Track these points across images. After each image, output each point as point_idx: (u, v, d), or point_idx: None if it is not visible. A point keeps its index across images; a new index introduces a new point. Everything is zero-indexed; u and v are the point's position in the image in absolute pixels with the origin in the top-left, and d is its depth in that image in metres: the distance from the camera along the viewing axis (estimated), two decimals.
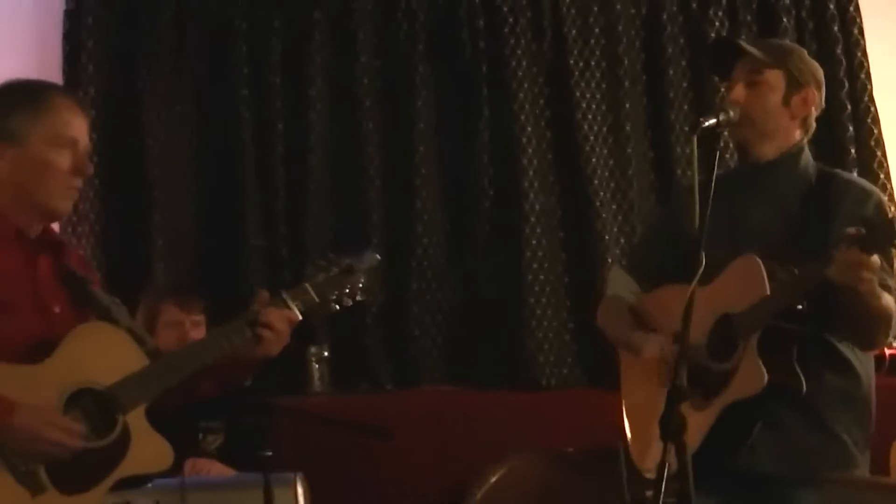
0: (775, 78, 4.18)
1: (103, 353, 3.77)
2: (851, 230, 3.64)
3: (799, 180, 4.21)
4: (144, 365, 3.79)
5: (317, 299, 4.01)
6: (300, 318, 3.94)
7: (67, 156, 3.82)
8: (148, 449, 3.74)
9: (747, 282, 3.94)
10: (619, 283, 4.61)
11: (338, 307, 4.10)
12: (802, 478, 3.88)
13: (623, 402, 4.46)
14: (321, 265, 4.11)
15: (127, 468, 3.68)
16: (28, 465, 3.53)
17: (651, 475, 3.67)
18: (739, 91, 4.18)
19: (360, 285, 4.11)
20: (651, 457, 3.83)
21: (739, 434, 4.01)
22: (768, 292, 3.86)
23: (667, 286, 4.19)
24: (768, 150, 4.21)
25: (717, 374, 4.01)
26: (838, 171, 4.54)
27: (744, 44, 4.27)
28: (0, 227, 3.79)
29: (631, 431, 4.39)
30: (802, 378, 3.87)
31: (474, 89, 6.76)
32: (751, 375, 3.88)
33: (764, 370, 3.84)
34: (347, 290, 4.08)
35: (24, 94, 3.91)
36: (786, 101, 4.19)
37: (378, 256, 4.26)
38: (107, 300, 3.97)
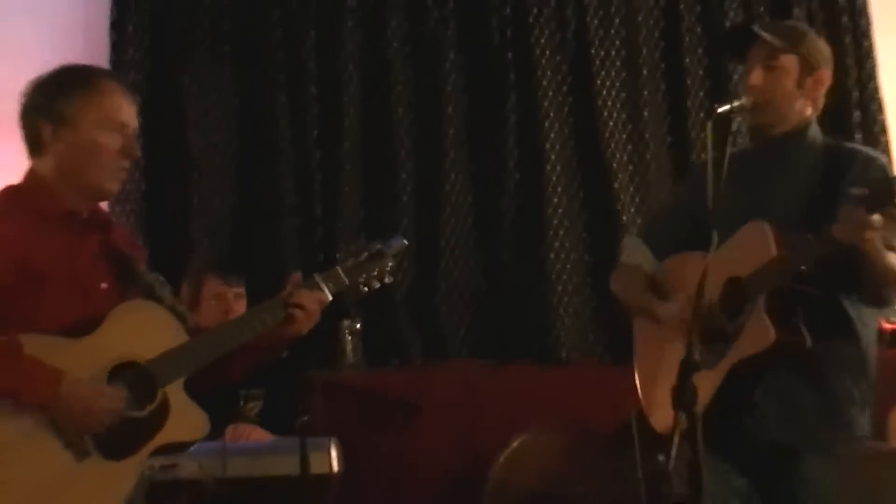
0: (790, 62, 4.17)
1: (145, 330, 3.80)
2: (855, 191, 3.64)
3: (807, 152, 4.19)
4: (184, 341, 3.82)
5: (347, 282, 4.03)
6: (330, 299, 3.97)
7: (116, 138, 3.80)
8: (185, 419, 3.77)
9: (754, 246, 3.93)
10: (635, 251, 4.56)
11: (366, 289, 4.11)
12: (810, 447, 3.86)
13: (637, 367, 4.45)
14: (352, 250, 4.11)
15: (165, 437, 3.71)
16: (74, 432, 3.56)
17: (662, 434, 3.78)
18: (757, 76, 4.16)
19: (388, 269, 4.13)
20: (664, 418, 3.70)
21: (746, 395, 3.99)
22: (774, 254, 3.87)
23: (683, 254, 4.18)
24: (784, 125, 4.20)
25: (727, 334, 3.99)
26: (844, 142, 4.53)
27: (759, 30, 4.26)
28: (50, 207, 3.78)
29: (644, 395, 4.37)
30: (807, 337, 3.84)
31: (501, 76, 6.79)
32: (758, 333, 3.86)
33: (771, 327, 3.81)
34: (375, 274, 4.09)
35: (76, 79, 3.89)
36: (800, 85, 4.18)
37: (405, 241, 4.24)
38: (151, 278, 3.97)
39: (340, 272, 4.03)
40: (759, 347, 3.88)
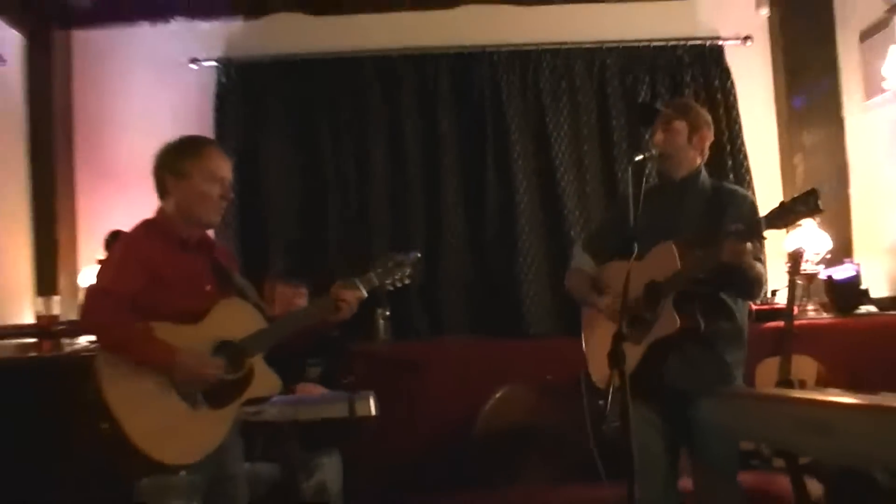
0: (681, 125, 4.24)
1: (237, 319, 3.89)
2: (732, 227, 3.79)
3: (700, 191, 4.26)
4: (263, 326, 3.91)
5: (377, 283, 4.11)
6: (365, 295, 4.06)
7: (217, 187, 3.89)
8: (265, 381, 3.87)
9: (665, 260, 4.01)
10: (581, 259, 4.60)
11: (391, 288, 4.19)
12: (702, 391, 3.90)
13: (584, 341, 4.50)
14: (381, 260, 4.19)
15: (251, 393, 3.82)
16: (188, 388, 3.68)
17: (602, 386, 3.83)
18: (659, 136, 4.25)
19: (407, 274, 4.19)
20: (603, 375, 3.90)
21: (661, 362, 4.09)
22: (679, 267, 3.96)
23: (614, 262, 4.26)
24: (679, 173, 4.28)
25: (646, 321, 4.08)
26: (725, 182, 4.64)
27: (658, 106, 4.36)
28: (173, 234, 3.85)
29: (589, 360, 4.42)
30: (702, 322, 3.98)
31: (483, 133, 6.79)
32: (668, 321, 3.97)
33: (677, 317, 3.95)
34: (398, 277, 4.17)
35: (191, 146, 3.97)
36: (689, 140, 4.25)
37: (419, 254, 4.28)
38: (242, 282, 4.08)
39: (373, 276, 4.12)
40: (668, 331, 4.00)
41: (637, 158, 4.10)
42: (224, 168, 3.96)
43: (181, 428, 3.66)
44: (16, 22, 6.55)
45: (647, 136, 4.19)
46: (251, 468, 4.31)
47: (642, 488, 3.97)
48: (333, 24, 6.95)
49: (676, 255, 3.99)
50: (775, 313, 5.83)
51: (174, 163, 3.90)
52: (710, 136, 4.37)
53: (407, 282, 4.22)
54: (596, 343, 4.34)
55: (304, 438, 4.42)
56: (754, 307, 5.70)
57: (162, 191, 3.94)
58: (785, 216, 3.73)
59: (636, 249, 3.80)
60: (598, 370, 4.27)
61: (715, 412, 3.73)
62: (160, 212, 3.95)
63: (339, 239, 6.70)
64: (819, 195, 3.66)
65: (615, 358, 3.56)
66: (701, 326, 3.99)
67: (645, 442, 4.10)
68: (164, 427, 3.61)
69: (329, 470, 4.93)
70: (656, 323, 4.05)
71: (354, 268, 6.20)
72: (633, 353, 4.02)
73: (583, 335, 4.54)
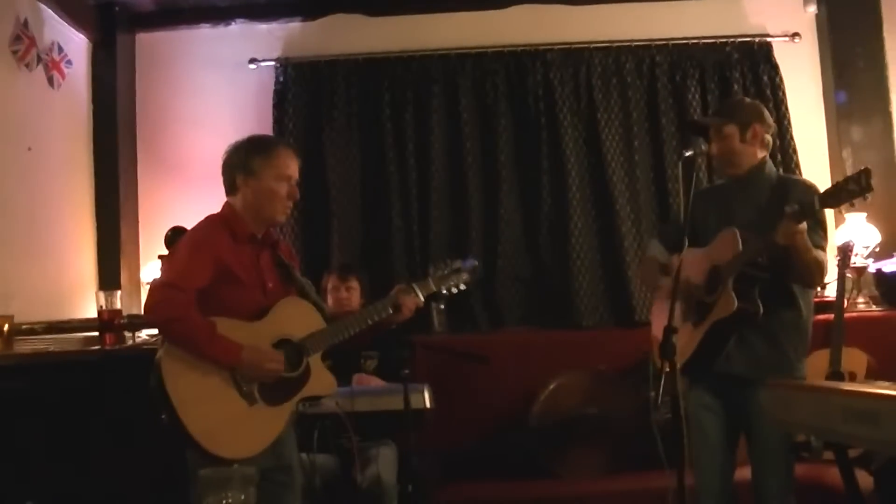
0: (731, 129, 4.20)
1: (298, 317, 3.92)
2: (788, 209, 3.76)
3: (765, 183, 4.23)
4: (323, 326, 3.94)
5: (434, 289, 4.15)
6: (423, 302, 4.10)
7: (284, 186, 3.91)
8: (321, 380, 3.91)
9: (727, 244, 4.01)
10: (654, 249, 4.60)
11: (447, 293, 4.22)
12: (760, 379, 3.89)
13: (652, 323, 4.46)
14: (439, 265, 4.23)
15: (307, 391, 3.86)
16: (248, 385, 3.71)
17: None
18: (714, 146, 4.24)
19: (464, 280, 4.22)
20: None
21: (721, 346, 4.10)
22: (740, 249, 3.95)
23: (687, 249, 4.10)
24: (742, 170, 4.26)
25: (707, 304, 4.07)
26: (789, 175, 4.74)
27: (702, 119, 4.35)
28: (240, 231, 3.87)
29: (654, 347, 4.38)
30: (760, 305, 3.96)
31: (537, 134, 6.79)
32: (726, 303, 3.95)
33: (735, 299, 3.91)
34: (454, 283, 4.19)
35: (260, 145, 3.99)
36: (742, 139, 4.21)
37: (476, 262, 4.32)
38: (303, 281, 4.09)
39: (431, 282, 4.17)
40: (726, 313, 3.97)
41: (687, 154, 4.09)
42: (292, 167, 3.99)
43: (238, 423, 3.69)
44: (82, 26, 6.66)
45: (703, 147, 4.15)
46: (308, 458, 4.32)
47: (700, 474, 4.20)
48: (389, 25, 7.01)
49: (739, 239, 3.98)
50: (826, 306, 5.80)
51: (244, 161, 3.92)
52: (765, 128, 4.31)
53: (463, 287, 4.26)
54: (661, 326, 4.34)
55: (360, 429, 4.45)
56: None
57: (230, 187, 3.97)
58: (838, 195, 3.72)
59: (686, 241, 3.84)
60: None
61: (768, 403, 3.73)
62: (227, 207, 3.97)
63: (399, 237, 6.73)
64: (871, 174, 3.64)
65: (665, 350, 3.61)
66: (759, 310, 3.97)
67: (703, 428, 4.24)
68: (222, 422, 3.65)
69: (384, 461, 4.94)
70: (716, 305, 4.03)
71: (414, 268, 6.33)
72: (694, 337, 4.11)
73: (652, 319, 4.53)
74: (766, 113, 4.39)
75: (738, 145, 4.24)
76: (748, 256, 3.96)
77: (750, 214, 4.17)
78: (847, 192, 3.69)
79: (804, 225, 3.81)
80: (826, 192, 3.79)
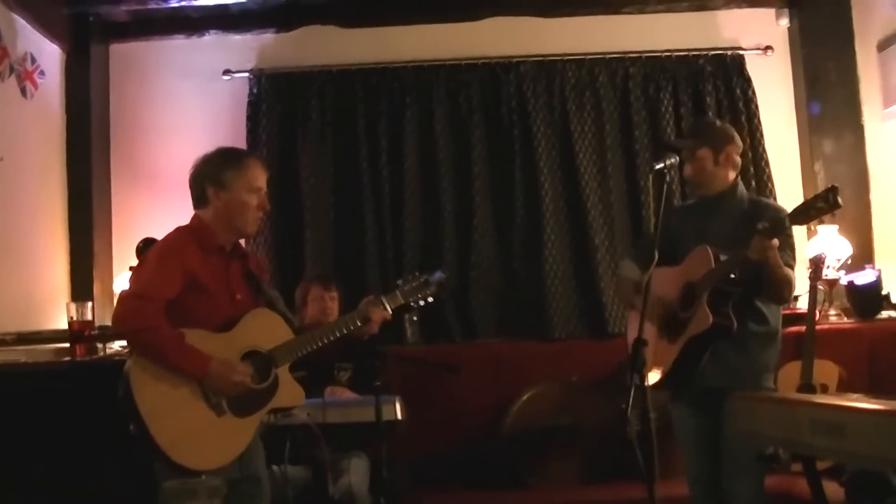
0: (705, 153, 4.30)
1: (266, 329, 3.90)
2: (760, 226, 3.88)
3: (737, 204, 4.35)
4: (291, 338, 3.92)
5: (402, 301, 4.16)
6: (391, 315, 4.11)
7: (255, 198, 3.91)
8: (290, 391, 3.89)
9: (701, 261, 4.12)
10: (626, 268, 4.66)
11: (415, 305, 4.22)
12: (732, 389, 3.90)
13: (628, 337, 4.35)
14: (407, 279, 4.23)
15: (276, 402, 3.85)
16: (216, 397, 3.70)
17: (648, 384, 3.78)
18: (688, 169, 4.36)
19: (431, 292, 4.22)
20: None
21: (698, 360, 4.17)
22: (713, 265, 4.05)
23: (656, 269, 4.13)
24: (715, 189, 4.36)
25: (683, 320, 4.16)
26: (761, 197, 4.84)
27: (677, 142, 4.39)
28: (209, 242, 3.86)
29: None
30: (734, 320, 4.07)
31: (510, 145, 6.79)
32: (702, 318, 4.05)
33: (710, 314, 4.03)
34: (422, 295, 4.20)
35: (231, 157, 3.99)
36: (716, 162, 4.31)
37: (444, 274, 4.34)
38: (272, 293, 4.09)
39: (398, 294, 4.16)
40: (702, 328, 4.10)
41: (657, 167, 4.07)
42: (262, 179, 3.98)
43: (206, 434, 3.69)
44: (55, 36, 6.61)
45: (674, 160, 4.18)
46: (280, 470, 4.33)
47: (690, 481, 4.38)
48: (363, 37, 6.98)
49: (711, 256, 4.08)
50: (797, 318, 5.81)
51: (215, 173, 3.91)
52: (737, 150, 4.42)
53: (431, 300, 4.26)
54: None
55: (332, 441, 4.44)
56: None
57: (200, 200, 3.95)
58: (807, 212, 3.83)
59: (656, 257, 3.82)
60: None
61: (737, 415, 3.73)
62: (196, 219, 3.96)
63: (373, 248, 6.72)
64: (838, 191, 3.73)
65: (635, 362, 3.64)
66: (734, 325, 4.08)
67: (688, 438, 4.39)
68: (190, 432, 3.64)
69: (357, 472, 4.94)
70: (691, 321, 4.12)
71: (388, 279, 6.33)
72: (671, 352, 4.20)
73: (627, 333, 4.53)
74: (737, 134, 4.50)
75: (712, 168, 4.35)
76: (722, 272, 4.06)
77: (723, 234, 4.25)
78: (816, 209, 3.80)
79: (776, 241, 3.92)
80: (795, 209, 3.88)
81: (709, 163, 4.32)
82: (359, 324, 4.02)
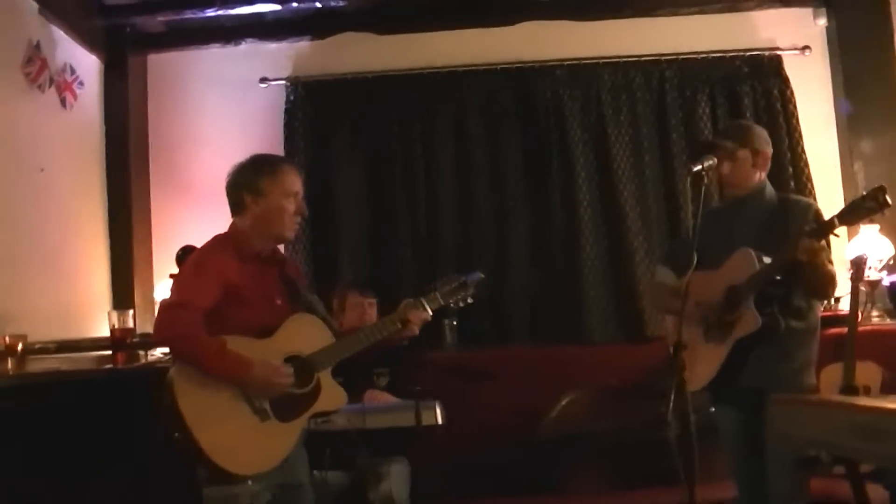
0: (745, 154, 4.29)
1: (307, 334, 3.90)
2: (807, 227, 3.91)
3: (765, 204, 4.33)
4: (332, 342, 3.92)
5: (441, 303, 4.13)
6: (430, 317, 4.10)
7: (292, 203, 3.91)
8: (332, 395, 3.89)
9: (744, 264, 4.10)
10: (661, 273, 4.68)
11: (454, 307, 4.21)
12: (771, 390, 3.86)
13: (668, 342, 4.40)
14: (445, 280, 4.21)
15: (318, 407, 3.85)
16: (260, 401, 3.70)
17: (691, 389, 3.78)
18: (725, 167, 4.28)
19: (470, 294, 4.21)
20: (692, 380, 3.85)
21: (744, 362, 4.15)
22: (757, 269, 4.04)
23: (693, 273, 4.10)
24: (746, 190, 4.35)
25: (729, 322, 4.15)
26: (788, 194, 4.75)
27: (717, 142, 4.36)
28: (247, 249, 3.86)
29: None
30: (781, 321, 4.06)
31: (547, 148, 6.80)
32: (750, 320, 4.04)
33: (758, 316, 4.02)
34: (460, 297, 4.18)
35: (267, 164, 3.99)
36: (753, 164, 4.32)
37: (482, 275, 4.31)
38: (310, 297, 4.09)
39: (438, 296, 4.15)
40: (750, 329, 4.07)
41: (695, 169, 4.02)
42: (297, 184, 3.99)
43: (250, 440, 3.69)
44: (93, 47, 6.69)
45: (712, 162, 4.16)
46: (320, 476, 4.32)
47: (736, 485, 4.38)
48: (397, 43, 7.01)
49: (755, 258, 4.06)
50: (839, 320, 5.76)
51: (251, 181, 3.92)
52: (770, 151, 4.42)
53: (470, 301, 4.24)
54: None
55: (371, 446, 4.45)
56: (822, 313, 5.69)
57: (237, 207, 3.96)
58: (856, 212, 3.83)
59: (694, 261, 3.81)
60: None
61: (775, 419, 3.71)
62: (233, 227, 3.97)
63: (407, 252, 6.75)
64: (887, 191, 3.74)
65: (674, 366, 3.64)
66: (781, 325, 4.07)
67: (729, 441, 4.39)
68: (234, 438, 3.64)
69: (396, 477, 4.90)
70: (738, 323, 4.11)
71: (423, 282, 6.34)
72: (717, 356, 4.19)
73: (668, 342, 4.51)
74: (768, 137, 4.51)
75: (750, 169, 4.34)
76: (768, 275, 4.03)
77: (749, 234, 4.24)
78: (865, 209, 3.80)
79: (823, 242, 3.92)
80: (844, 209, 3.89)
81: (747, 164, 4.31)
82: (399, 326, 4.01)
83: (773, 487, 4.18)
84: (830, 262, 4.11)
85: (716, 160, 4.10)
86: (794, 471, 4.13)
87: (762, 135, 4.45)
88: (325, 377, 3.88)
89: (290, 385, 3.74)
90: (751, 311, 4.05)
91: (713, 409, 4.48)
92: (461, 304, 4.22)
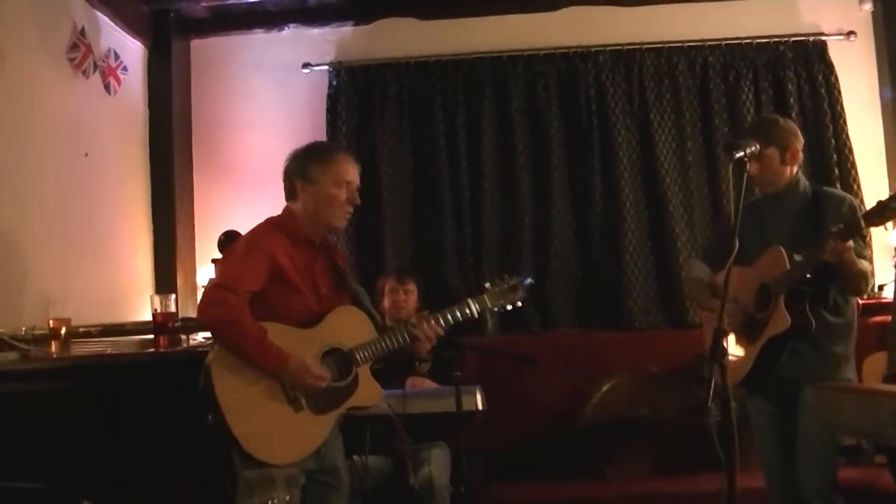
0: (772, 152, 4.24)
1: (350, 326, 3.95)
2: (834, 228, 3.84)
3: (800, 198, 4.32)
4: (374, 336, 3.96)
5: (489, 305, 4.15)
6: (443, 333, 4.06)
7: (344, 192, 3.97)
8: (368, 390, 3.94)
9: (775, 262, 4.09)
10: (697, 268, 4.68)
11: (500, 310, 4.24)
12: (806, 380, 4.01)
13: (704, 334, 4.55)
14: (496, 282, 4.22)
15: (354, 401, 3.90)
16: (295, 393, 3.76)
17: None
18: (754, 167, 4.24)
19: (519, 297, 4.23)
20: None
21: (777, 359, 4.15)
22: (788, 268, 4.03)
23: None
24: (778, 187, 4.34)
25: (760, 321, 4.15)
26: (824, 187, 4.59)
27: (743, 142, 4.26)
28: (297, 234, 3.92)
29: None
30: (812, 320, 4.04)
31: (589, 135, 6.79)
32: (780, 319, 4.04)
33: (788, 316, 4.02)
34: (510, 299, 4.20)
35: (319, 152, 4.06)
36: (782, 161, 4.28)
37: (532, 280, 4.34)
38: (357, 288, 4.14)
39: (486, 299, 4.17)
40: (781, 329, 4.07)
41: (737, 156, 3.95)
42: (351, 173, 4.03)
43: (282, 429, 3.74)
44: (137, 32, 6.75)
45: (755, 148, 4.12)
46: (360, 461, 4.38)
47: (766, 475, 4.38)
48: (440, 28, 7.03)
49: (785, 256, 4.06)
50: (882, 307, 5.74)
51: (302, 168, 3.98)
52: (800, 144, 4.39)
53: (518, 304, 4.26)
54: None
55: (412, 431, 4.48)
56: (861, 302, 5.64)
57: (290, 193, 4.03)
58: (882, 213, 3.75)
59: (736, 246, 3.72)
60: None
61: (816, 406, 3.72)
62: (286, 211, 4.04)
63: (452, 239, 6.77)
64: None
65: (715, 353, 3.62)
66: (812, 324, 4.05)
67: (763, 432, 4.39)
68: (266, 426, 3.70)
69: (437, 462, 4.95)
70: (769, 322, 4.11)
71: (467, 269, 6.37)
72: (750, 353, 4.21)
73: (703, 331, 4.62)
74: (797, 128, 4.46)
75: (778, 166, 4.32)
76: (797, 274, 4.03)
77: (784, 230, 4.26)
78: (891, 209, 3.73)
79: (850, 242, 3.88)
80: (870, 210, 3.81)
81: (775, 162, 4.28)
82: (402, 342, 4.01)
83: (809, 480, 4.16)
84: (865, 256, 4.12)
85: (758, 147, 4.08)
86: (829, 461, 4.17)
87: (789, 128, 4.40)
88: (364, 372, 3.94)
89: (322, 386, 3.78)
90: (781, 310, 4.05)
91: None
92: (508, 308, 4.23)
